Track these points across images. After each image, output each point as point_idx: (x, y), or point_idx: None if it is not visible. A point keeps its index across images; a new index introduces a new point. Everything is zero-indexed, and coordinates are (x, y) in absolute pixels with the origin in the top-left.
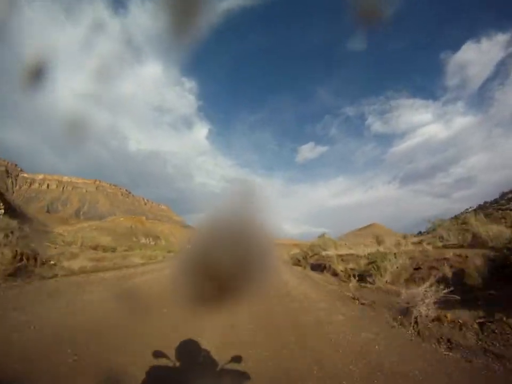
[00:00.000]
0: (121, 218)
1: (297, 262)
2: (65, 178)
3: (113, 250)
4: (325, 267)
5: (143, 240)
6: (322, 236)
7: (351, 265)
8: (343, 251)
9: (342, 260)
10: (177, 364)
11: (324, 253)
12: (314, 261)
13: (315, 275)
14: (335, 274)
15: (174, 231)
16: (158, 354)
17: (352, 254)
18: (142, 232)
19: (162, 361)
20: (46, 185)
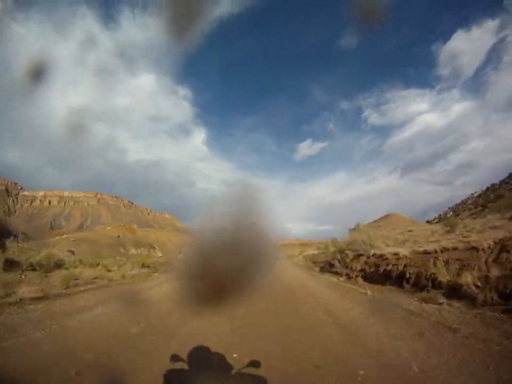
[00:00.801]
0: (108, 227)
1: (323, 267)
2: (66, 194)
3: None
4: (404, 277)
5: (133, 251)
6: (356, 227)
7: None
8: (392, 249)
9: (446, 262)
10: (191, 367)
11: (372, 252)
12: (365, 266)
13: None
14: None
15: (174, 238)
16: (174, 358)
17: (421, 252)
18: (131, 242)
19: (179, 365)
20: (48, 202)
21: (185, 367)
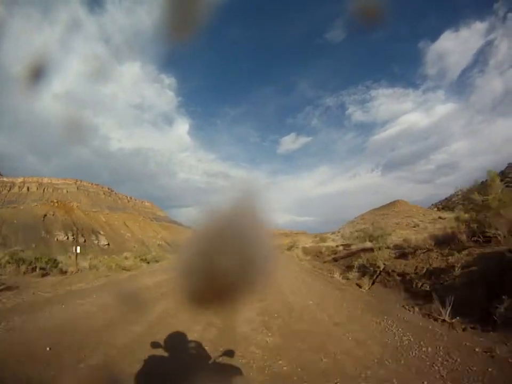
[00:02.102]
0: (34, 204)
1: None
2: (45, 180)
3: None
4: None
5: (60, 237)
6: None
7: None
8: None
9: None
10: (171, 355)
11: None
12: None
13: None
14: None
15: (144, 226)
16: (155, 345)
17: None
18: (62, 225)
19: (158, 352)
20: (27, 188)
21: (165, 353)
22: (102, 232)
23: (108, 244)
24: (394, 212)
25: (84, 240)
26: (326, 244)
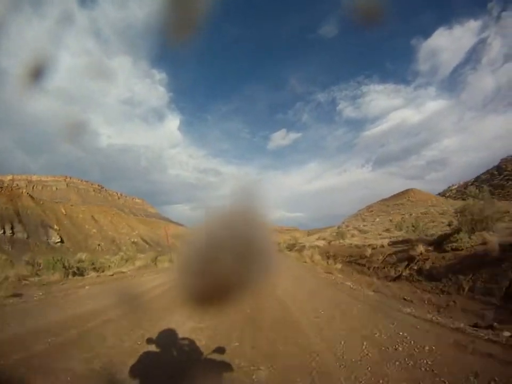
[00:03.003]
0: None
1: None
2: (34, 177)
3: None
4: None
5: None
6: None
7: None
8: None
9: None
10: (165, 351)
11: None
12: None
13: None
14: None
15: (119, 220)
16: (149, 341)
17: None
18: (0, 214)
19: (152, 348)
20: (16, 186)
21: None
22: (55, 227)
23: (61, 241)
24: (411, 202)
25: (26, 235)
26: (353, 241)
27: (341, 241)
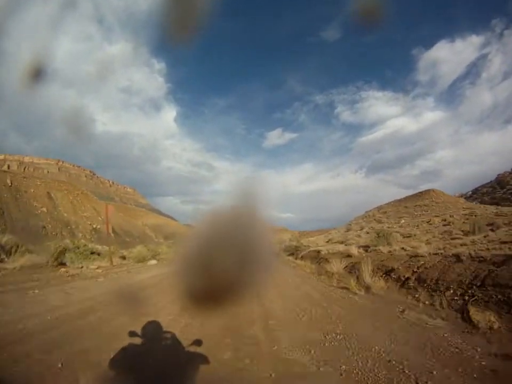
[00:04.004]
0: None
1: None
2: (26, 159)
3: None
4: None
5: None
6: None
7: None
8: None
9: None
10: (148, 343)
11: None
12: None
13: None
14: None
15: (83, 201)
16: (131, 333)
17: None
18: None
19: (135, 340)
20: (7, 166)
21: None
22: None
23: None
24: (436, 203)
25: None
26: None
27: (384, 248)
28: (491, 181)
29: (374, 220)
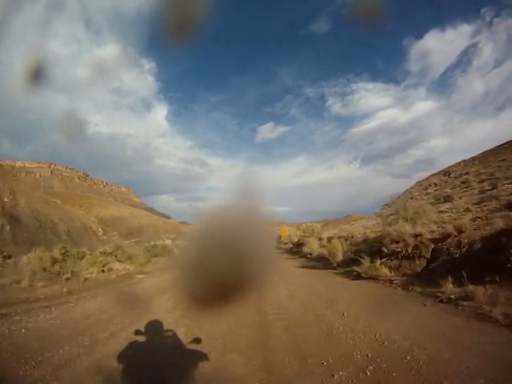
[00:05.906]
0: None
1: None
2: (18, 163)
3: None
4: None
5: None
6: None
7: None
8: None
9: None
10: (151, 341)
11: None
12: None
13: None
14: None
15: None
16: (137, 332)
17: None
18: None
19: (140, 338)
20: None
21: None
22: None
23: None
24: None
25: None
26: None
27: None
28: None
29: (433, 196)
